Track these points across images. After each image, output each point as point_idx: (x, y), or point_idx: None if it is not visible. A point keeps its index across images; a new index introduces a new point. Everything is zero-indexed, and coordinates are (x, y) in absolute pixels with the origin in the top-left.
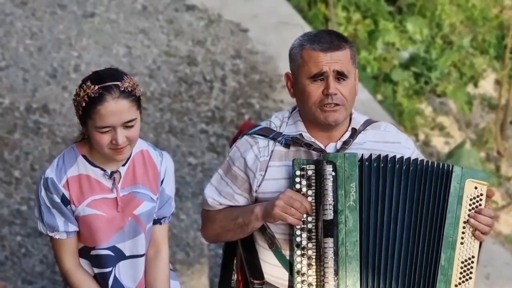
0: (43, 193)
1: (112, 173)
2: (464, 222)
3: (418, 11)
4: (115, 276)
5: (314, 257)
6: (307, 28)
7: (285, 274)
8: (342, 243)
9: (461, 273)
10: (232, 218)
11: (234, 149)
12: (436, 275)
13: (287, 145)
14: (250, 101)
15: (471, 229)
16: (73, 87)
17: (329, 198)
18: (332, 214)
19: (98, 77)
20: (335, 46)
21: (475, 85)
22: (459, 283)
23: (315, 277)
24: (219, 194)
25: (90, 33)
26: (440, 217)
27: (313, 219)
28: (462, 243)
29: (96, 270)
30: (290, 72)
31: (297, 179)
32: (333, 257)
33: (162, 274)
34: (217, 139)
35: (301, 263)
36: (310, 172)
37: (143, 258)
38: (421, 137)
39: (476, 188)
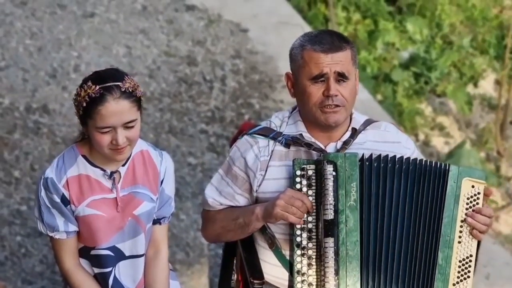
0: (43, 193)
1: (112, 173)
2: (462, 221)
3: (418, 11)
4: (115, 276)
5: (314, 257)
6: (307, 28)
7: (285, 274)
8: (342, 242)
9: (459, 272)
10: (232, 219)
11: (234, 149)
12: (434, 274)
13: (287, 145)
14: (250, 101)
15: (468, 228)
16: (73, 87)
17: (330, 198)
18: (333, 214)
19: (99, 77)
20: (336, 47)
21: (475, 85)
22: (457, 282)
23: (315, 277)
24: (219, 194)
25: (90, 33)
26: (437, 217)
27: (313, 219)
28: (459, 242)
29: (96, 270)
30: (290, 72)
31: (298, 179)
32: (334, 257)
33: (161, 274)
34: (217, 139)
35: (301, 263)
36: (310, 172)
37: (142, 258)
38: (421, 137)
39: (473, 187)
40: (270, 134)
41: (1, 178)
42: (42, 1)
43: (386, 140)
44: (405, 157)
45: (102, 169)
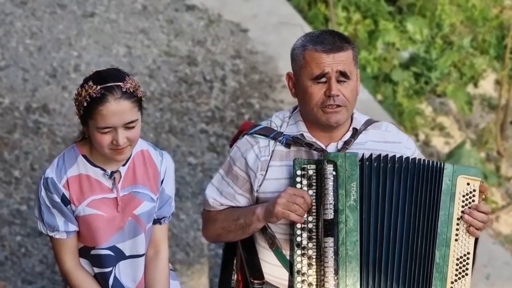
0: (43, 193)
1: (112, 173)
2: (458, 219)
3: (418, 11)
4: (115, 276)
5: (314, 256)
6: (307, 28)
7: (285, 274)
8: (342, 242)
9: (456, 270)
10: (233, 219)
11: (235, 149)
12: (432, 273)
13: (287, 145)
14: (250, 101)
15: (465, 225)
16: (73, 87)
17: (330, 198)
18: (333, 213)
19: (100, 77)
20: (337, 47)
21: (475, 85)
22: (455, 280)
23: (315, 276)
24: (220, 194)
25: (90, 33)
26: (434, 215)
27: (313, 218)
28: (456, 240)
29: (96, 270)
30: (291, 72)
31: (298, 179)
32: (333, 257)
33: (161, 274)
34: (217, 139)
35: (301, 263)
36: (311, 172)
37: (143, 258)
38: (421, 137)
39: (468, 184)
40: (270, 134)
41: (1, 178)
42: (42, 0)
43: (387, 140)
44: (404, 156)
45: (102, 169)
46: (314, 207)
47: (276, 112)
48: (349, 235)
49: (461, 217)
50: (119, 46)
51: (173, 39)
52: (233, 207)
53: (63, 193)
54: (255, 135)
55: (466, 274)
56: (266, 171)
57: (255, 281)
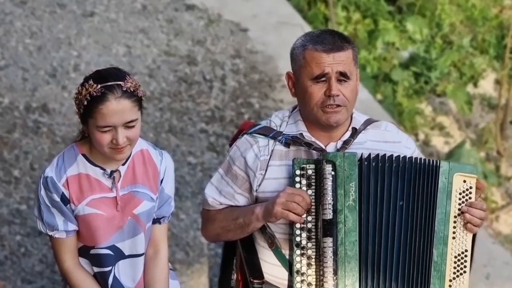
0: (42, 192)
1: (112, 172)
2: (455, 217)
3: (418, 11)
4: (114, 275)
5: (313, 256)
6: (307, 28)
7: (284, 274)
8: (341, 242)
9: (455, 267)
10: (232, 218)
11: (234, 149)
12: (430, 272)
13: (287, 144)
14: (249, 100)
15: (462, 223)
16: (72, 86)
17: (329, 198)
18: (332, 213)
19: (100, 76)
20: (337, 47)
21: (475, 85)
22: (454, 278)
23: (314, 276)
24: (219, 193)
25: (89, 33)
26: (431, 214)
27: (313, 218)
28: (454, 238)
29: (96, 269)
30: (291, 71)
31: (297, 179)
32: (332, 257)
33: (161, 273)
34: (217, 138)
35: (300, 263)
36: (310, 172)
37: (142, 258)
38: (421, 137)
39: (464, 181)
40: (270, 133)
41: (0, 178)
42: (42, 0)
43: (387, 139)
44: (402, 156)
45: (102, 168)
46: (313, 207)
47: (276, 111)
48: (348, 235)
49: (458, 215)
50: (119, 46)
51: (172, 39)
52: (232, 206)
53: (63, 192)
54: (254, 134)
55: (464, 272)
56: (266, 170)
57: (255, 281)
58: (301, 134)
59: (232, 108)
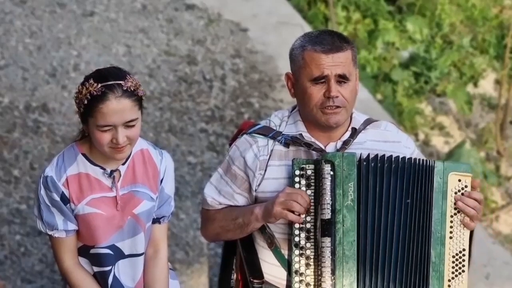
0: (42, 191)
1: (112, 171)
2: (451, 216)
3: (418, 11)
4: (114, 275)
5: (312, 256)
6: (307, 28)
7: (283, 274)
8: (339, 242)
9: (453, 267)
10: (231, 218)
11: (234, 148)
12: (429, 272)
13: (286, 145)
14: (249, 100)
15: (459, 222)
16: (72, 86)
17: (327, 198)
18: (330, 213)
19: (101, 75)
20: (336, 47)
21: (475, 85)
22: (452, 278)
23: (313, 276)
24: (218, 193)
25: (89, 32)
26: (427, 214)
27: (312, 219)
28: (451, 238)
29: (96, 269)
30: (290, 72)
31: (297, 179)
32: (330, 257)
33: (161, 273)
34: (217, 138)
35: (299, 263)
36: (309, 172)
37: (142, 257)
38: (421, 136)
39: (459, 180)
40: (269, 133)
41: (0, 177)
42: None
43: (387, 139)
44: (400, 156)
45: (102, 168)
46: (312, 207)
47: (275, 111)
48: (346, 235)
49: (455, 214)
50: (119, 45)
51: (172, 39)
52: (231, 206)
53: (63, 192)
54: (254, 134)
55: (463, 271)
56: (265, 170)
57: (255, 281)
58: (301, 134)
59: (232, 107)
